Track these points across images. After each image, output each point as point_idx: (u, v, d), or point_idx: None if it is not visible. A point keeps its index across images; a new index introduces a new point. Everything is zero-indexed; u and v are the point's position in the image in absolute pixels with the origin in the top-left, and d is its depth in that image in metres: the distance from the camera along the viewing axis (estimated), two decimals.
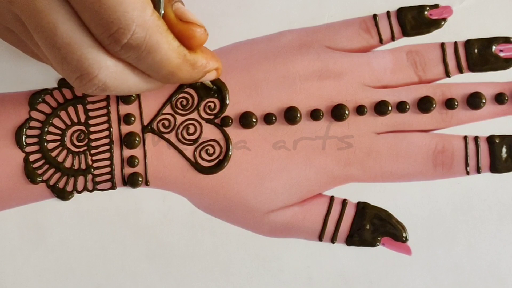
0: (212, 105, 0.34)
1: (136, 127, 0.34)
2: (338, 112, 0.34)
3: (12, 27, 0.27)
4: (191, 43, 0.28)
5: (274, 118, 0.34)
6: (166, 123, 0.34)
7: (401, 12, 0.34)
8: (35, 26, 0.25)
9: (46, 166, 0.34)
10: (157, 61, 0.27)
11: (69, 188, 0.34)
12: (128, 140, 0.34)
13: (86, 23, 0.25)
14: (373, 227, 0.34)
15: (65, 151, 0.34)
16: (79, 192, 0.34)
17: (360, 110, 0.34)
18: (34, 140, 0.34)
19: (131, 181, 0.34)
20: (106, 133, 0.34)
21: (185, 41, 0.28)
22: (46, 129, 0.34)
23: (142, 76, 0.28)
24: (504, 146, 0.34)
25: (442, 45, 0.34)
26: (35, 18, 0.25)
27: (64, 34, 0.25)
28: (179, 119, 0.34)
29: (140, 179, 0.34)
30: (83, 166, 0.34)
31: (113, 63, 0.26)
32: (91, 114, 0.34)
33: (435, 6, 0.34)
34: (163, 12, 0.27)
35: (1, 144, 0.34)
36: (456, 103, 0.34)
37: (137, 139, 0.34)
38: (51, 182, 0.34)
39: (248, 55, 0.34)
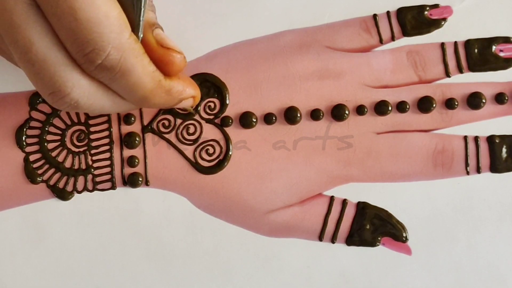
0: (212, 105, 0.34)
1: (136, 127, 0.34)
2: (338, 112, 0.34)
3: None
4: (169, 69, 0.28)
5: (274, 118, 0.34)
6: (166, 123, 0.34)
7: (401, 12, 0.34)
8: (11, 40, 0.25)
9: (46, 166, 0.34)
10: (131, 84, 0.26)
11: (69, 188, 0.34)
12: (128, 140, 0.34)
13: (62, 40, 0.25)
14: (373, 227, 0.34)
15: (65, 151, 0.34)
16: (79, 192, 0.34)
17: (360, 110, 0.34)
18: (34, 140, 0.34)
19: (131, 181, 0.34)
20: (106, 133, 0.34)
21: (163, 66, 0.27)
22: (46, 129, 0.34)
23: (116, 98, 0.28)
24: (504, 146, 0.34)
25: (442, 45, 0.34)
26: (11, 32, 0.25)
27: (39, 50, 0.25)
28: (179, 119, 0.34)
29: (140, 179, 0.34)
30: (83, 166, 0.34)
31: (87, 83, 0.26)
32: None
33: (435, 6, 0.34)
34: (141, 35, 0.27)
35: (1, 144, 0.34)
36: (456, 103, 0.34)
37: (137, 139, 0.34)
38: (51, 182, 0.34)
39: (248, 55, 0.34)
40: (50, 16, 0.24)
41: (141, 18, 0.26)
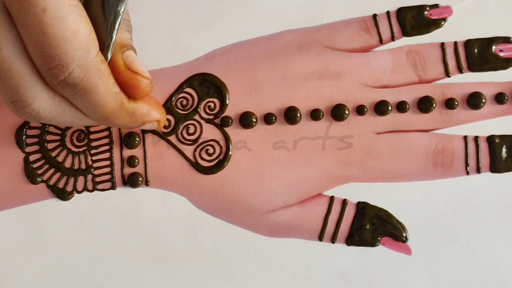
0: (212, 105, 0.34)
1: (137, 129, 0.34)
2: (338, 112, 0.34)
3: None
4: (134, 93, 0.28)
5: (274, 118, 0.34)
6: (166, 123, 0.34)
7: (401, 12, 0.34)
8: None
9: (46, 166, 0.34)
10: (93, 103, 0.27)
11: (69, 188, 0.34)
12: (128, 140, 0.34)
13: (29, 52, 0.25)
14: (373, 227, 0.34)
15: (65, 151, 0.34)
16: (79, 192, 0.34)
17: (360, 110, 0.34)
18: (34, 140, 0.34)
19: (131, 181, 0.34)
20: (106, 133, 0.34)
21: (129, 90, 0.28)
22: (46, 129, 0.34)
23: (78, 113, 0.28)
24: (504, 146, 0.34)
25: (442, 45, 0.34)
26: None
27: (6, 59, 0.25)
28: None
29: (140, 179, 0.34)
30: (83, 166, 0.34)
31: (50, 96, 0.26)
32: None
33: (435, 6, 0.34)
34: (110, 57, 0.27)
35: (1, 144, 0.34)
36: (456, 103, 0.34)
37: (137, 139, 0.34)
38: (51, 182, 0.34)
39: (248, 55, 0.34)
40: (19, 26, 0.24)
41: (112, 39, 0.26)
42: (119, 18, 0.26)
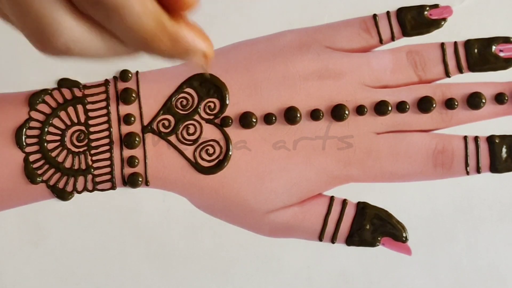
0: (212, 105, 0.34)
1: (136, 127, 0.34)
2: (338, 112, 0.34)
3: None
4: (175, 4, 0.24)
5: (274, 118, 0.34)
6: (166, 123, 0.34)
7: (401, 12, 0.34)
8: None
9: (46, 166, 0.34)
10: (128, 23, 0.24)
11: (69, 188, 0.34)
12: (128, 140, 0.34)
13: None
14: (373, 227, 0.34)
15: (65, 151, 0.34)
16: (79, 192, 0.34)
17: (360, 110, 0.34)
18: (34, 140, 0.34)
19: (131, 181, 0.34)
20: (106, 133, 0.34)
21: (169, 3, 0.24)
22: (46, 129, 0.34)
23: (112, 40, 0.25)
24: (504, 146, 0.34)
25: (442, 45, 0.34)
26: None
27: None
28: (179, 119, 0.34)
29: (140, 179, 0.34)
30: (83, 166, 0.34)
31: (78, 23, 0.24)
32: (91, 114, 0.34)
33: (435, 6, 0.34)
34: None
35: (0, 144, 0.34)
36: (456, 103, 0.34)
37: (137, 139, 0.34)
38: (51, 182, 0.34)
39: (248, 55, 0.34)
40: None
41: None
42: None
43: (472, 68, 0.34)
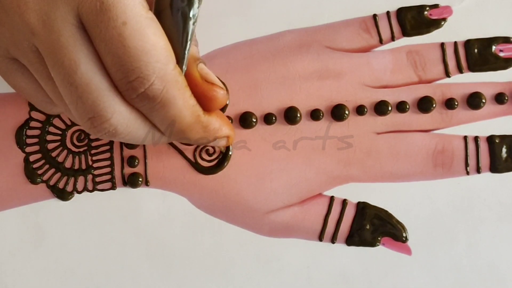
0: None
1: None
2: (338, 112, 0.34)
3: (23, 59, 0.26)
4: (211, 104, 0.28)
5: (274, 118, 0.34)
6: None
7: (401, 12, 0.34)
8: (56, 61, 0.25)
9: (46, 166, 0.34)
10: (170, 116, 0.26)
11: (69, 188, 0.34)
12: None
13: (106, 66, 0.25)
14: (373, 227, 0.34)
15: (65, 151, 0.34)
16: (79, 192, 0.34)
17: (360, 110, 0.34)
18: (34, 140, 0.34)
19: (131, 181, 0.34)
20: None
21: (206, 102, 0.27)
22: (46, 129, 0.34)
23: (152, 129, 0.28)
24: (504, 146, 0.34)
25: (442, 45, 0.34)
26: (57, 53, 0.24)
27: (84, 74, 0.25)
28: None
29: (140, 179, 0.34)
30: (83, 166, 0.34)
31: (127, 110, 0.26)
32: None
33: (435, 6, 0.34)
34: (185, 68, 0.27)
35: (1, 144, 0.34)
36: (456, 103, 0.34)
37: None
38: (51, 182, 0.34)
39: (248, 55, 0.34)
40: (97, 41, 0.24)
41: (186, 51, 0.26)
42: (191, 32, 0.26)
43: (472, 68, 0.34)
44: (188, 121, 0.27)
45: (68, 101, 0.26)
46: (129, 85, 0.25)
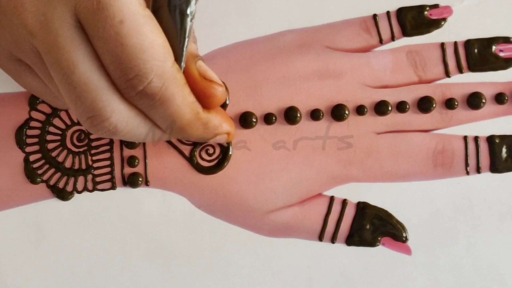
0: None
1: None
2: (338, 112, 0.34)
3: (26, 59, 0.27)
4: (210, 101, 0.27)
5: (274, 118, 0.34)
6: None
7: (401, 12, 0.34)
8: (54, 62, 0.25)
9: (46, 166, 0.34)
10: (169, 113, 0.26)
11: (69, 188, 0.34)
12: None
13: (105, 65, 0.25)
14: (373, 227, 0.34)
15: (65, 151, 0.34)
16: (79, 192, 0.34)
17: (360, 110, 0.34)
18: (34, 140, 0.34)
19: (131, 181, 0.34)
20: None
21: (204, 99, 0.27)
22: (46, 129, 0.34)
23: (152, 127, 0.28)
24: (504, 146, 0.34)
25: (442, 45, 0.34)
26: (55, 53, 0.24)
27: (82, 73, 0.25)
28: None
29: (140, 179, 0.34)
30: (83, 166, 0.34)
31: (126, 108, 0.26)
32: None
33: (435, 6, 0.34)
34: (184, 65, 0.27)
35: (1, 144, 0.34)
36: (456, 103, 0.34)
37: None
38: (51, 182, 0.34)
39: (248, 55, 0.34)
40: (95, 40, 0.24)
41: (184, 48, 0.26)
42: (189, 28, 0.26)
43: (472, 68, 0.34)
44: (187, 118, 0.27)
45: (67, 101, 0.26)
46: (128, 83, 0.25)
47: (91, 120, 0.26)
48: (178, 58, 0.26)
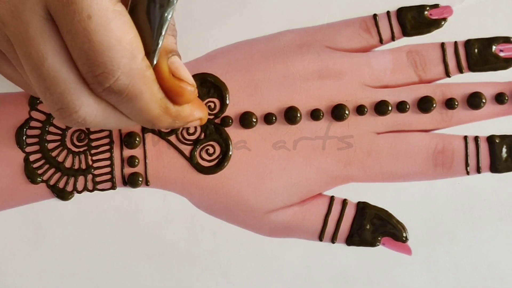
0: (212, 105, 0.34)
1: (136, 127, 0.34)
2: (338, 112, 0.34)
3: (1, 47, 0.27)
4: (178, 100, 0.27)
5: (274, 118, 0.34)
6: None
7: (401, 12, 0.34)
8: (24, 53, 0.25)
9: (46, 166, 0.34)
10: (137, 109, 0.26)
11: (69, 188, 0.34)
12: (128, 140, 0.34)
13: (74, 59, 0.25)
14: (373, 227, 0.34)
15: (65, 151, 0.34)
16: (79, 192, 0.34)
17: (360, 110, 0.34)
18: (35, 140, 0.34)
19: (131, 181, 0.34)
20: (106, 133, 0.34)
21: (173, 96, 0.27)
22: (46, 129, 0.34)
23: (122, 117, 0.28)
24: (504, 146, 0.34)
25: (442, 45, 0.34)
26: (25, 44, 0.24)
27: (51, 66, 0.25)
28: None
29: (140, 179, 0.34)
30: (83, 166, 0.34)
31: (95, 102, 0.26)
32: None
33: (435, 6, 0.34)
34: (155, 62, 0.26)
35: (1, 144, 0.34)
36: (456, 103, 0.34)
37: (137, 139, 0.34)
38: (51, 182, 0.34)
39: (248, 55, 0.34)
40: (64, 33, 0.24)
41: (158, 46, 0.26)
42: (166, 24, 0.26)
43: (472, 68, 0.34)
44: (156, 113, 0.27)
45: (37, 91, 0.26)
46: (95, 79, 0.25)
47: (59, 112, 0.26)
48: (150, 54, 0.26)
